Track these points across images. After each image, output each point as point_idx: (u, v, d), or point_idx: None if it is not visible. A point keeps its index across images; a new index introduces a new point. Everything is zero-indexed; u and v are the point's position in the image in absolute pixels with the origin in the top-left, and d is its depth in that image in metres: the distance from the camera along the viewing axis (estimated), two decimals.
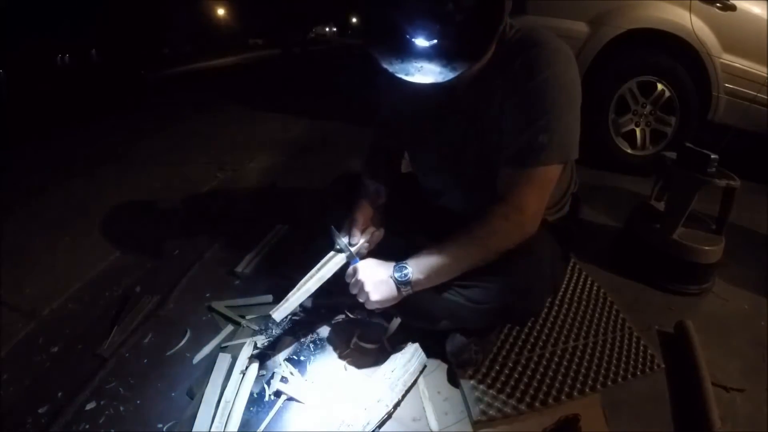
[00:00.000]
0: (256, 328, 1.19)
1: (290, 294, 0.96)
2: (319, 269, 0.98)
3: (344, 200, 1.08)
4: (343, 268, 0.97)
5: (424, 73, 0.71)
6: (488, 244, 0.86)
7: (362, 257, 0.98)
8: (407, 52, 0.71)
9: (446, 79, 0.71)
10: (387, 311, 1.09)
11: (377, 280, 0.89)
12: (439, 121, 0.96)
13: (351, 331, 1.14)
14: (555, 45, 0.80)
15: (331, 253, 1.00)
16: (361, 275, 0.90)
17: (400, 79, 0.73)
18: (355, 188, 1.09)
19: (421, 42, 0.71)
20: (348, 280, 0.93)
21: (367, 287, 0.89)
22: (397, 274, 0.88)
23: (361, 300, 0.91)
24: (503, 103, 0.84)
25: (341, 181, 1.23)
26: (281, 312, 0.95)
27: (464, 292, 0.92)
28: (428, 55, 0.71)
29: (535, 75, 0.78)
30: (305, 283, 0.97)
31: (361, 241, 0.99)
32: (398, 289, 0.88)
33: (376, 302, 0.90)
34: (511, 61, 0.81)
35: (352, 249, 0.97)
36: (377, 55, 0.73)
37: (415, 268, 0.87)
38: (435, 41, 0.70)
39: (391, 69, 0.73)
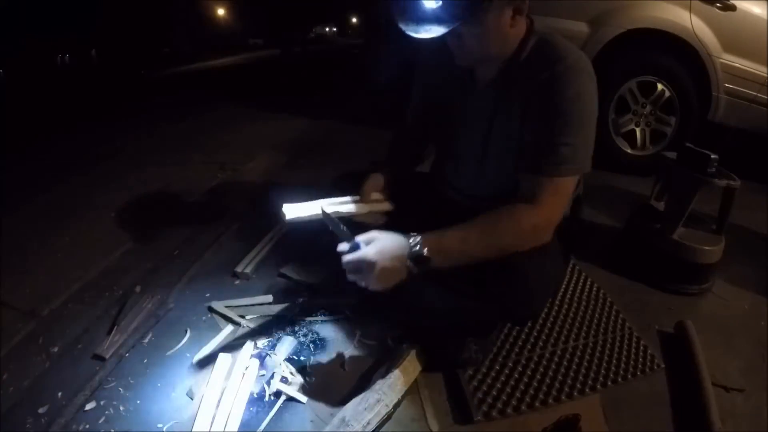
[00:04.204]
0: (257, 327, 1.19)
1: (306, 202, 0.97)
2: (341, 203, 0.99)
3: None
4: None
5: (429, 31, 0.81)
6: (504, 239, 0.86)
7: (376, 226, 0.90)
8: (414, 13, 0.82)
9: (446, 31, 0.80)
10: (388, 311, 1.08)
11: (390, 256, 0.80)
12: (466, 110, 1.00)
13: (351, 331, 1.15)
14: (581, 64, 0.87)
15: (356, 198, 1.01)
16: (371, 254, 0.79)
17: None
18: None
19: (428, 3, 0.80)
20: (349, 260, 0.82)
21: (376, 269, 0.79)
22: (411, 247, 0.81)
23: (364, 283, 0.82)
24: (527, 110, 0.89)
25: (343, 179, 1.22)
26: (292, 211, 0.94)
27: (464, 291, 0.91)
28: (432, 14, 0.80)
29: (561, 92, 0.84)
30: (323, 203, 0.98)
31: (369, 208, 1.00)
32: (409, 267, 0.81)
33: (384, 285, 0.81)
34: (537, 72, 0.86)
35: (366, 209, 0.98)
36: (397, 18, 0.84)
37: (428, 242, 0.81)
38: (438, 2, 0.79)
39: (404, 28, 0.84)
